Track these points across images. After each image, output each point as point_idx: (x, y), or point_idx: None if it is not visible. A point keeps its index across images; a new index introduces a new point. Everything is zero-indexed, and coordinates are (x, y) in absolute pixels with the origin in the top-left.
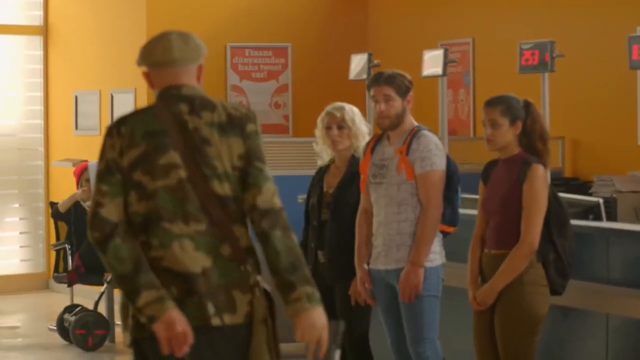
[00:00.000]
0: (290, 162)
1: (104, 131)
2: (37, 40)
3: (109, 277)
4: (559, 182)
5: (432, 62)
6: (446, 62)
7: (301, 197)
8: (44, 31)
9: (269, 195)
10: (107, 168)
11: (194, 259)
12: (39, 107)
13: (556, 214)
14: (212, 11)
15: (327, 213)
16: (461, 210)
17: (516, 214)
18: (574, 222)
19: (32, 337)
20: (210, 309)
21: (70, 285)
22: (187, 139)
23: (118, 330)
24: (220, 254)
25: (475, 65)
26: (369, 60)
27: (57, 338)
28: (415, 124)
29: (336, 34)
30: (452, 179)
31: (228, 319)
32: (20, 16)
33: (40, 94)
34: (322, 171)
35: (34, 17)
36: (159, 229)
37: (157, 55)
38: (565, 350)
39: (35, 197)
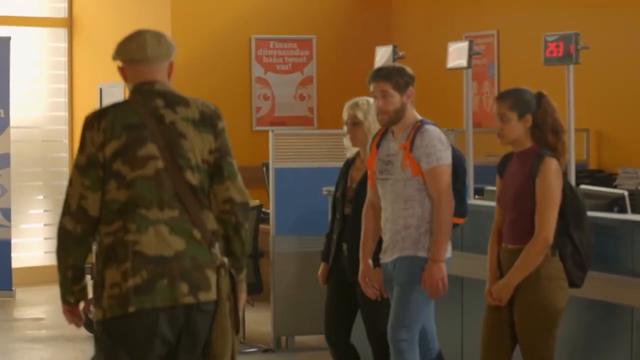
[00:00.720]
0: (315, 154)
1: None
2: (62, 33)
3: None
4: (584, 174)
5: (456, 54)
6: (471, 54)
7: (326, 189)
8: (69, 23)
9: (243, 189)
10: (89, 162)
11: (168, 242)
12: (64, 99)
13: (572, 207)
14: (237, 3)
15: (349, 207)
16: (488, 203)
17: (530, 209)
18: (599, 214)
19: (56, 329)
20: (184, 288)
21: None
22: (164, 132)
23: None
24: (193, 238)
25: (500, 57)
26: (394, 52)
27: (82, 330)
28: (419, 117)
29: (360, 26)
30: (459, 171)
31: (203, 296)
32: (45, 8)
33: (64, 86)
34: (349, 164)
35: (59, 9)
36: (137, 215)
37: (132, 52)
38: (590, 343)
39: (60, 189)
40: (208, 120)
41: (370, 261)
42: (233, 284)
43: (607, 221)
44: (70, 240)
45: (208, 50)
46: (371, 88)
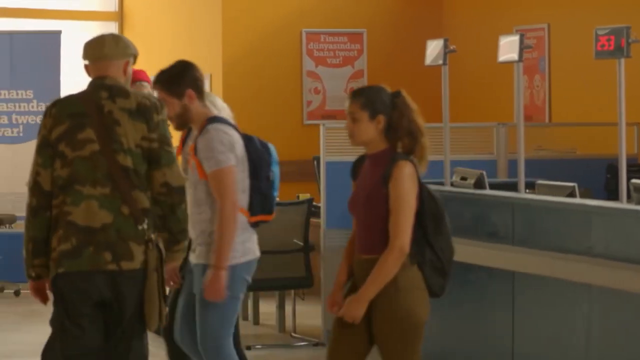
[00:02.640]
0: None
1: None
2: (113, 27)
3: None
4: (634, 168)
5: (508, 48)
6: (522, 48)
7: None
8: (119, 17)
9: (179, 174)
10: (41, 143)
11: (96, 215)
12: None
13: (430, 212)
14: None
15: None
16: (540, 197)
17: (383, 215)
18: None
19: None
20: (108, 256)
21: None
22: (102, 119)
23: None
24: (121, 213)
25: (551, 50)
26: (445, 46)
27: None
28: (209, 115)
29: (411, 19)
30: (260, 167)
31: (125, 265)
32: (96, 2)
33: None
34: None
35: (109, 2)
36: (73, 190)
37: (92, 51)
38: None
39: None
40: (142, 112)
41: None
42: (161, 257)
43: None
44: (28, 212)
45: (259, 44)
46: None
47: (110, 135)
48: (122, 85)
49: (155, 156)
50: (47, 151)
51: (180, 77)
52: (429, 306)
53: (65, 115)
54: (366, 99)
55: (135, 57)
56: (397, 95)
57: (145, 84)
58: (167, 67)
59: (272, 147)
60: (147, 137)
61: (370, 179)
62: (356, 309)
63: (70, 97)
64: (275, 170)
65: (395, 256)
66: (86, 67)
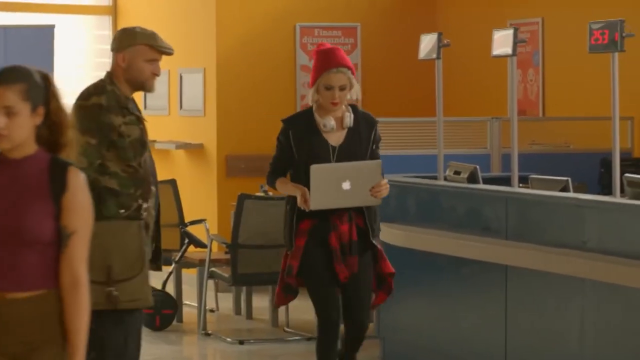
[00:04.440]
0: None
1: (172, 111)
2: (107, 20)
3: (177, 256)
4: (628, 162)
5: (502, 42)
6: (516, 42)
7: None
8: (113, 11)
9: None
10: None
11: None
12: None
13: None
14: None
15: None
16: (533, 191)
17: (45, 238)
18: None
19: None
20: None
21: None
22: None
23: (186, 310)
24: None
25: (545, 45)
26: (439, 40)
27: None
28: None
29: (405, 13)
30: None
31: None
32: None
33: None
34: None
35: None
36: None
37: None
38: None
39: None
40: None
41: None
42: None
43: None
44: None
45: (253, 38)
46: None
47: None
48: (97, 81)
49: None
50: None
51: None
52: None
53: None
54: (27, 84)
55: (146, 45)
56: (48, 79)
57: (343, 69)
58: None
59: None
60: None
61: (15, 192)
62: None
63: None
64: None
65: (87, 290)
66: None
